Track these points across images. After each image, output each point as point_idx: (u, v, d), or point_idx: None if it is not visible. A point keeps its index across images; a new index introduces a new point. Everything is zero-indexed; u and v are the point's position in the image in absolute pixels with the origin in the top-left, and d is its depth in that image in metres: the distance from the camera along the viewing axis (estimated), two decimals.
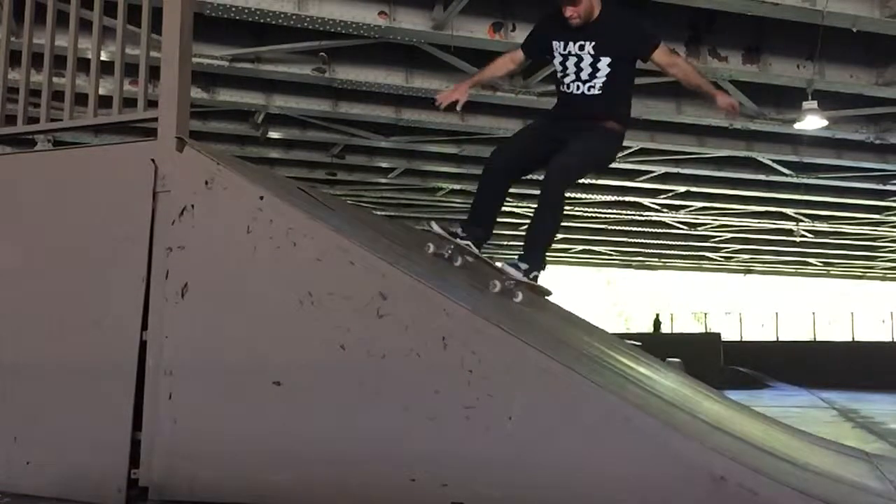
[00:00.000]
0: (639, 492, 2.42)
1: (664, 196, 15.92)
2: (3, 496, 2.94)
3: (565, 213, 4.11)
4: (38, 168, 3.46)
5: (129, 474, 2.83)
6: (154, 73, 3.22)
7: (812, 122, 9.59)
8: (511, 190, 4.16)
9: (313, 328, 2.79)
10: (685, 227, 19.46)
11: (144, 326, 2.94)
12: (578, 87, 3.87)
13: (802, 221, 18.19)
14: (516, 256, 3.80)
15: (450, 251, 3.87)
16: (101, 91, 3.49)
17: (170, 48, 3.16)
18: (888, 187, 14.36)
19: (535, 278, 3.76)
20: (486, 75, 4.42)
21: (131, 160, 3.20)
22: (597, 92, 3.84)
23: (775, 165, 13.28)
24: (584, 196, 15.52)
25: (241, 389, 2.83)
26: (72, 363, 3.06)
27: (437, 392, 2.61)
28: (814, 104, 9.17)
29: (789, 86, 9.34)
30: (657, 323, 28.54)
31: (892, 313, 29.47)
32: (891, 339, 28.26)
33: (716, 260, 25.65)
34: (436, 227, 3.94)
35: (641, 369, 4.06)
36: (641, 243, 21.72)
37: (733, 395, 7.55)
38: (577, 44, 3.83)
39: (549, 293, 4.08)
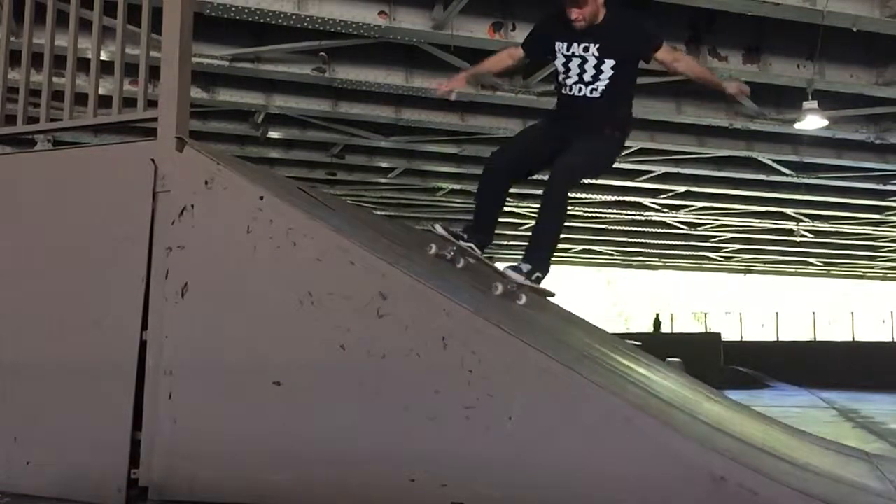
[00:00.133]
0: (639, 492, 2.42)
1: (664, 196, 15.92)
2: (3, 496, 2.94)
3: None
4: (38, 168, 3.46)
5: (129, 474, 2.83)
6: (154, 72, 3.22)
7: (812, 122, 9.59)
8: (511, 190, 4.15)
9: (313, 328, 2.78)
10: (685, 227, 19.46)
11: (144, 326, 2.94)
12: (581, 90, 3.83)
13: (803, 221, 18.19)
14: (520, 258, 3.78)
15: (452, 253, 3.86)
16: (101, 91, 3.49)
17: (170, 48, 3.16)
18: (888, 187, 14.37)
19: (539, 280, 3.71)
20: (484, 68, 4.45)
21: (131, 160, 3.19)
22: (599, 94, 3.80)
23: (776, 165, 13.28)
24: (584, 196, 15.53)
25: (241, 389, 2.83)
26: (72, 363, 3.05)
27: (437, 392, 2.61)
28: (814, 104, 9.17)
29: (789, 86, 9.34)
30: (657, 323, 28.50)
31: (892, 313, 29.45)
32: (891, 339, 28.23)
33: (716, 260, 25.64)
34: (439, 229, 3.92)
35: (641, 369, 4.06)
36: (642, 243, 21.72)
37: (733, 395, 7.54)
38: (582, 45, 3.77)
39: (552, 295, 4.03)
